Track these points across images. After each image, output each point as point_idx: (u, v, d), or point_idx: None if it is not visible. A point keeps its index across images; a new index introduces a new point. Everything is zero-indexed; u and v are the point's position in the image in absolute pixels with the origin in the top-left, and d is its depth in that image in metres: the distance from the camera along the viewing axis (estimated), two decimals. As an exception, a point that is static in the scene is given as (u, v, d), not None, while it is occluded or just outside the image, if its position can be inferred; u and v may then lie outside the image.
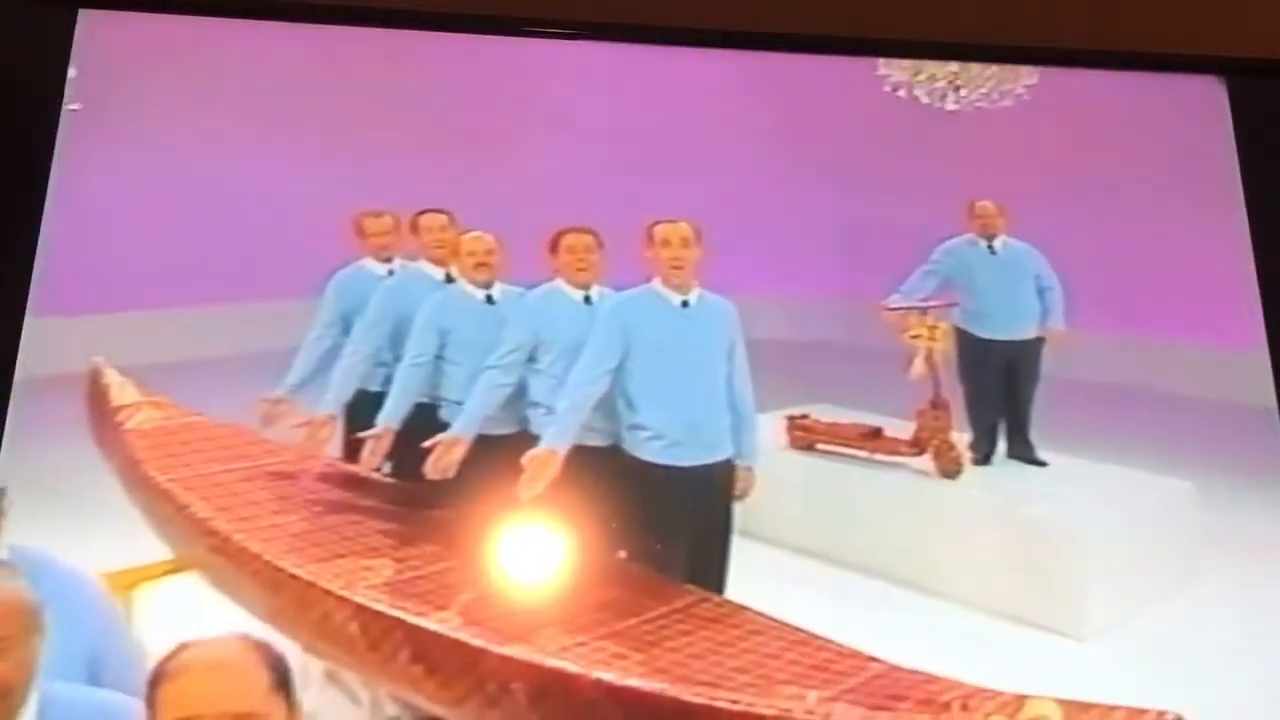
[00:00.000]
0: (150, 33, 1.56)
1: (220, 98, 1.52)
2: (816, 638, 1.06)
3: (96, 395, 1.43)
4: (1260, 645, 1.29)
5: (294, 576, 1.12)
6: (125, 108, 1.52)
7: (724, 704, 0.95)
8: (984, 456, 1.58)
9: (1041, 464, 1.57)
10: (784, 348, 1.51)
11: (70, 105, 1.52)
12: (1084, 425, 1.54)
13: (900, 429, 1.55)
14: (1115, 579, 1.41)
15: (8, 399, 1.38)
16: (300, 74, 1.54)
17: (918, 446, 1.56)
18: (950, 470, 1.54)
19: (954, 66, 1.67)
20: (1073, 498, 1.49)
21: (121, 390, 1.44)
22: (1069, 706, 0.90)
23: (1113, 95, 1.75)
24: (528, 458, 1.18)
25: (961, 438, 1.54)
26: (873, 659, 1.03)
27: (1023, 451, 1.58)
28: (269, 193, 1.51)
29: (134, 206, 1.50)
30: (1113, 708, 0.91)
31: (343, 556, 1.15)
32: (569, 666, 1.00)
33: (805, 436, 1.61)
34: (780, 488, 1.43)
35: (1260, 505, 1.39)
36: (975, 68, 1.66)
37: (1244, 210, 1.70)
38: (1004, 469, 1.58)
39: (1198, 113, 1.79)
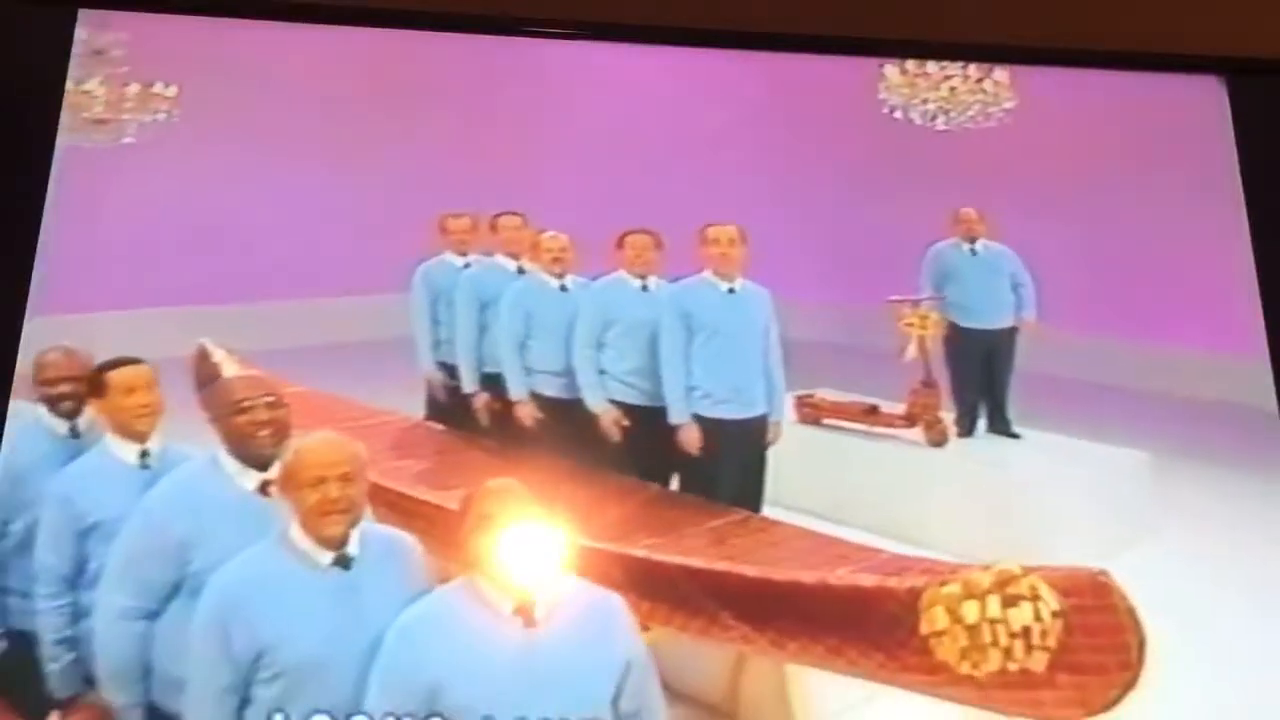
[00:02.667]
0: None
1: (230, 100, 2.04)
2: (840, 540, 1.75)
3: (207, 370, 2.00)
4: (1207, 593, 1.85)
5: (424, 502, 1.76)
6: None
7: (776, 577, 1.64)
8: (967, 429, 2.19)
9: (1016, 436, 2.19)
10: (788, 344, 2.08)
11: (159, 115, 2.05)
12: (1069, 413, 2.12)
13: (894, 406, 2.18)
14: (1078, 533, 1.97)
15: (7, 398, 1.68)
16: (306, 75, 2.08)
17: (909, 420, 2.18)
18: (938, 440, 2.16)
19: (944, 91, 2.27)
20: (1042, 463, 2.11)
21: (228, 364, 2.02)
22: (1025, 568, 1.59)
23: (1112, 95, 2.11)
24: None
25: (948, 414, 2.15)
26: (883, 550, 1.71)
27: (1000, 425, 2.21)
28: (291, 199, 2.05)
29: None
30: (1057, 568, 1.59)
31: (460, 487, 1.78)
32: (655, 556, 1.66)
33: (812, 413, 2.23)
34: (790, 457, 2.05)
35: (1211, 479, 2.00)
36: (963, 94, 2.26)
37: (1244, 210, 1.99)
38: (984, 440, 2.20)
39: (1198, 113, 2.07)
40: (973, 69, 2.26)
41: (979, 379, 2.24)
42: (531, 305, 2.00)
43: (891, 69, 2.25)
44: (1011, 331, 2.23)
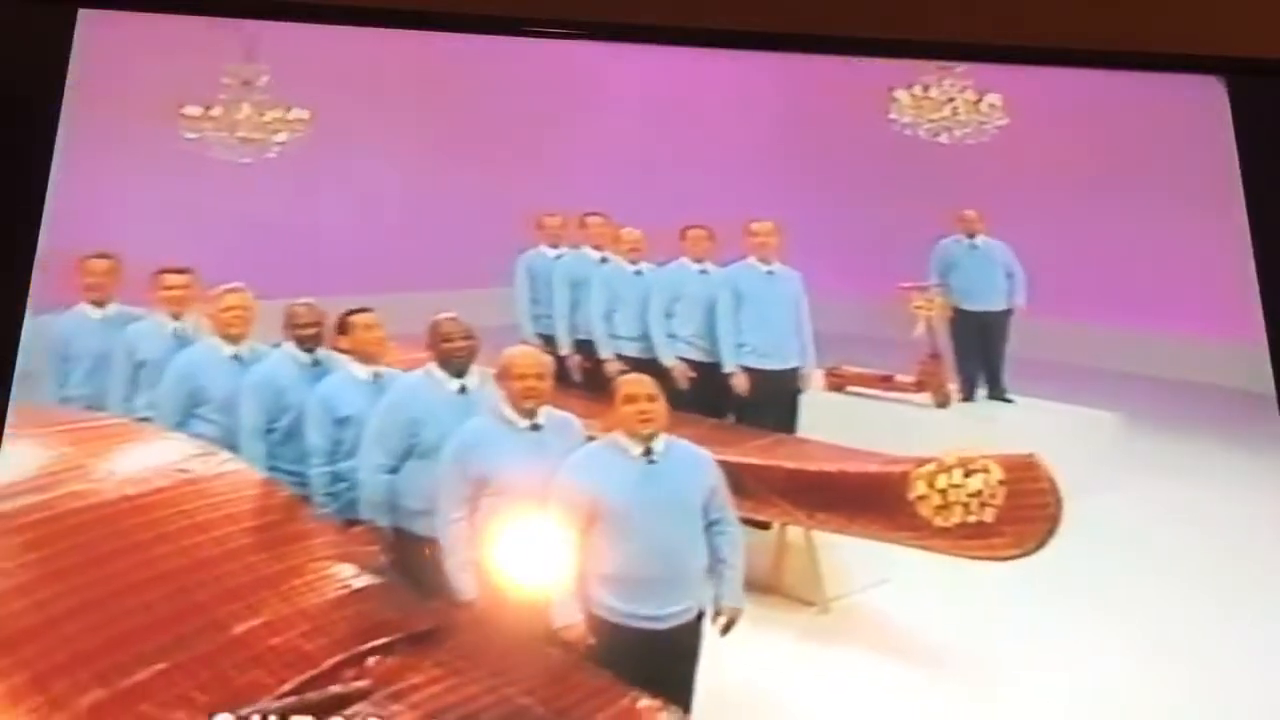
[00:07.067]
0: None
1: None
2: (855, 449, 3.34)
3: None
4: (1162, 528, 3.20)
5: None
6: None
7: (808, 468, 3.23)
8: (968, 395, 3.69)
9: (1010, 401, 3.71)
10: (818, 330, 3.66)
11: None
12: (1058, 386, 3.64)
13: (906, 376, 3.71)
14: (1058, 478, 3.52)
15: (8, 395, 2.42)
16: (419, 92, 3.50)
17: (919, 387, 3.68)
18: (942, 403, 3.66)
19: (946, 111, 3.79)
20: (1028, 420, 3.62)
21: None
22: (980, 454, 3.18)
23: (1113, 96, 2.84)
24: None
25: (952, 383, 3.68)
26: (885, 454, 3.30)
27: (997, 392, 3.71)
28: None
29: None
30: (1003, 454, 3.17)
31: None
32: (722, 457, 3.21)
33: (838, 381, 3.79)
34: (820, 418, 3.63)
35: (1180, 439, 3.46)
36: (963, 114, 3.74)
37: (1244, 210, 2.61)
38: (982, 404, 3.71)
39: (1198, 113, 2.68)
40: (970, 93, 3.73)
41: (977, 353, 3.75)
42: (614, 285, 3.62)
43: (902, 92, 3.73)
44: (1005, 313, 3.72)
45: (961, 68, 3.58)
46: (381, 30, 3.24)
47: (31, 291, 2.56)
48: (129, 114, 2.98)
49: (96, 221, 2.83)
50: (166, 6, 2.87)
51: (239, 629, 2.45)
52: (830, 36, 3.16)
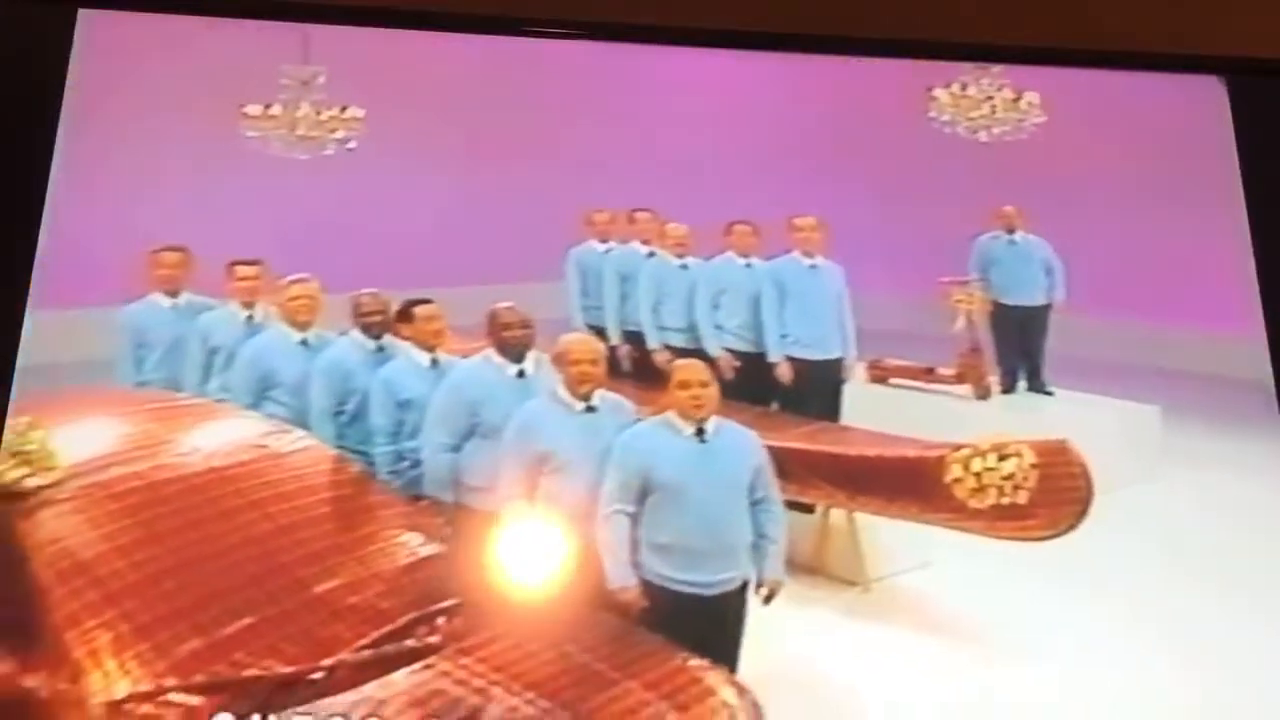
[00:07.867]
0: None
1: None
2: (895, 435, 3.66)
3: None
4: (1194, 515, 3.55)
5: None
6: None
7: (849, 453, 3.56)
8: (1009, 387, 4.04)
9: (1050, 393, 4.03)
10: (863, 325, 4.02)
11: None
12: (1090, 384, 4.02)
13: (947, 368, 4.07)
14: (1096, 467, 3.71)
15: (8, 393, 2.54)
16: (466, 93, 3.89)
17: (960, 379, 4.04)
18: (983, 395, 4.00)
19: (985, 109, 4.15)
20: (1068, 412, 3.94)
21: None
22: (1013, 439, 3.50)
23: (1114, 96, 3.06)
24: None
25: (993, 376, 4.01)
26: (923, 440, 3.62)
27: (1036, 385, 4.05)
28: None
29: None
30: (1036, 439, 3.49)
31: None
32: (768, 442, 3.53)
33: (881, 373, 4.12)
34: (861, 411, 3.97)
35: (1213, 435, 3.77)
36: (1001, 111, 4.10)
37: (1244, 209, 2.81)
38: (1022, 396, 4.05)
39: (1198, 113, 2.87)
40: (1008, 90, 4.06)
41: (1017, 346, 4.07)
42: (661, 278, 3.97)
43: (941, 91, 4.07)
44: (1045, 308, 4.03)
45: (998, 67, 3.92)
46: (432, 32, 3.53)
47: (31, 291, 2.72)
48: (137, 113, 3.19)
49: (99, 222, 3.00)
50: (166, 7, 3.05)
51: (320, 589, 2.81)
52: (846, 37, 3.44)
